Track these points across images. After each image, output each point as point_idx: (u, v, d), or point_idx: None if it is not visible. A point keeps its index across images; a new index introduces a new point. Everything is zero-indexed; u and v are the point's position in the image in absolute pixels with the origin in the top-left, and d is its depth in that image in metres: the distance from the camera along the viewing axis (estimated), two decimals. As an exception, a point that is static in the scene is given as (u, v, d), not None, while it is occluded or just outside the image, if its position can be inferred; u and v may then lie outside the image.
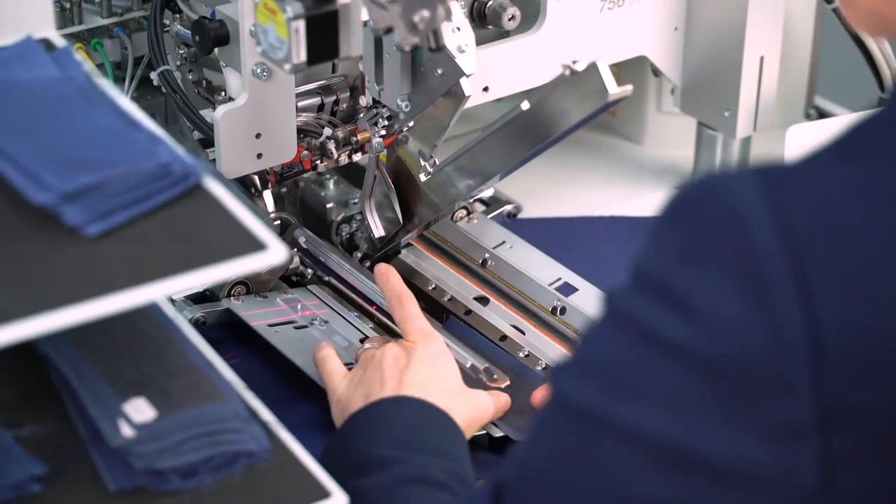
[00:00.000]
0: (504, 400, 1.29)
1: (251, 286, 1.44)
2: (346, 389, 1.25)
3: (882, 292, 0.75)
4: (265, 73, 1.35)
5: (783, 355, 0.75)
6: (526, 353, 1.39)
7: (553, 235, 1.59)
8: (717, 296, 0.76)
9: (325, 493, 0.99)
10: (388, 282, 1.36)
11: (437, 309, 1.46)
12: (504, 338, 1.41)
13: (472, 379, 1.33)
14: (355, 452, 1.14)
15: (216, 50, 1.38)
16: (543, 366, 1.36)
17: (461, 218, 1.53)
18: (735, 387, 0.77)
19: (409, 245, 1.52)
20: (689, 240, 0.78)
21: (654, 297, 0.78)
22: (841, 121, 1.63)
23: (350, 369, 1.29)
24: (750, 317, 0.76)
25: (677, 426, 0.78)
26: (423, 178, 1.43)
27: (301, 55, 1.20)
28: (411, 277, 1.50)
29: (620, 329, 0.81)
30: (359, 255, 1.52)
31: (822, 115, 1.79)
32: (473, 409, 1.25)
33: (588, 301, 1.41)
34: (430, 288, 1.48)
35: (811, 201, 0.76)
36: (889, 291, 0.75)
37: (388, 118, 1.42)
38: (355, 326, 1.41)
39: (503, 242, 1.50)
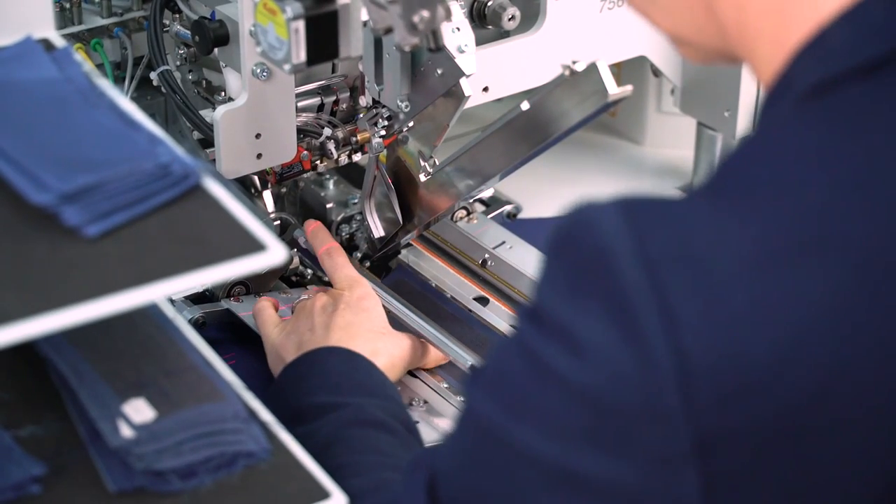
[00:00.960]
0: (438, 353, 1.35)
1: (251, 286, 1.44)
2: (278, 337, 1.32)
3: (741, 317, 0.76)
4: (265, 73, 1.35)
5: (653, 385, 0.77)
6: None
7: (553, 235, 1.58)
8: (594, 329, 0.78)
9: (325, 494, 0.99)
10: (317, 237, 1.46)
11: (382, 268, 1.51)
12: (504, 338, 1.41)
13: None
14: (294, 402, 1.19)
15: (216, 50, 1.38)
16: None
17: (461, 218, 1.53)
18: (612, 417, 0.79)
19: (409, 245, 1.52)
20: (568, 273, 0.80)
21: (543, 328, 0.81)
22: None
23: None
24: (622, 348, 0.77)
25: (563, 450, 0.81)
26: (422, 178, 1.43)
27: (301, 55, 1.20)
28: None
29: (520, 353, 0.83)
30: (359, 255, 1.52)
31: (822, 115, 1.79)
32: (400, 349, 1.32)
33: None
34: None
35: (672, 232, 0.78)
36: (748, 316, 0.76)
37: (388, 118, 1.41)
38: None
39: (503, 242, 1.50)
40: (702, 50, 0.92)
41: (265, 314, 1.37)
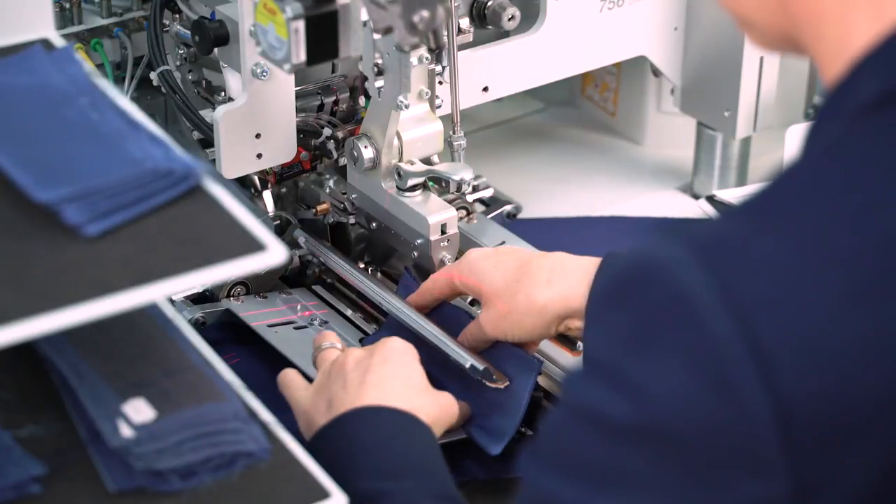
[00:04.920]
0: (466, 409, 1.26)
1: (251, 286, 1.44)
2: (308, 400, 1.21)
3: (842, 358, 0.74)
4: (265, 73, 1.35)
5: (750, 434, 0.74)
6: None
7: (553, 235, 1.58)
8: (672, 382, 0.75)
9: (325, 494, 0.99)
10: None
11: None
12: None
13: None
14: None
15: (216, 50, 1.38)
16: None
17: (461, 218, 1.52)
18: (701, 468, 0.76)
19: (408, 245, 1.52)
20: (636, 325, 0.76)
21: (607, 386, 0.77)
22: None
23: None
24: (710, 399, 0.74)
25: None
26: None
27: (301, 55, 1.20)
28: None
29: (579, 421, 0.79)
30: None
31: (822, 115, 1.79)
32: (439, 408, 1.22)
33: (588, 301, 1.41)
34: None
35: (754, 276, 0.75)
36: (850, 356, 0.74)
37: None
38: (356, 326, 1.41)
39: (503, 242, 1.49)
40: (767, 35, 0.86)
41: (288, 377, 1.25)
